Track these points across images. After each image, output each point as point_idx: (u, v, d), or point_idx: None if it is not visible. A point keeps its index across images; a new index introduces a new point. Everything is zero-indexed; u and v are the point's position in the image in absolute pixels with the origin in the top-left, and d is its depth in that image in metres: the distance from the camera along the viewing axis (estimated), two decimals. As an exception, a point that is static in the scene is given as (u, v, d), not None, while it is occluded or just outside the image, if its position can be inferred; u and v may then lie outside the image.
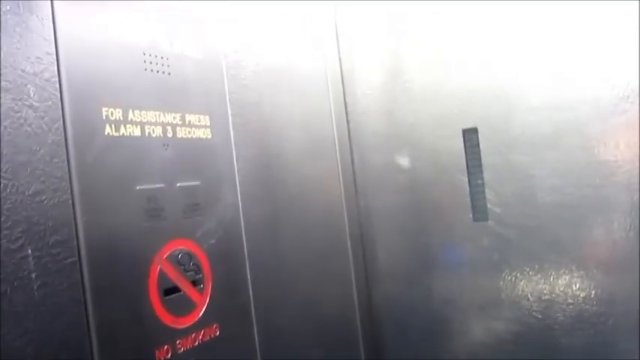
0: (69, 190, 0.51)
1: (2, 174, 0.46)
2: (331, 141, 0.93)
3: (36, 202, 0.48)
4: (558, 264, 0.80)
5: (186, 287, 0.61)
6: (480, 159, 0.84)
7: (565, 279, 0.79)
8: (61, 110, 0.51)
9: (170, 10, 0.64)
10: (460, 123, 0.86)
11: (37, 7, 0.51)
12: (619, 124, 0.74)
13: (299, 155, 0.84)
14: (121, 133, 0.56)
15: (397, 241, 0.95)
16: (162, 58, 0.62)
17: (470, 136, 0.85)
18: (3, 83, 0.47)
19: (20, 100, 0.48)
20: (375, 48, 0.93)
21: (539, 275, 0.81)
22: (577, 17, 0.76)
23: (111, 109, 0.55)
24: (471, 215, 0.86)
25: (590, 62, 0.76)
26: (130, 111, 0.57)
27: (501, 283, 0.84)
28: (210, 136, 0.67)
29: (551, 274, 0.80)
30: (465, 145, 0.86)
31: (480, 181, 0.84)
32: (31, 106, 0.49)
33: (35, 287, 0.47)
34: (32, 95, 0.49)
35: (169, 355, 0.58)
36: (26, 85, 0.49)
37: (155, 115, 0.60)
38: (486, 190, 0.84)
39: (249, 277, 0.70)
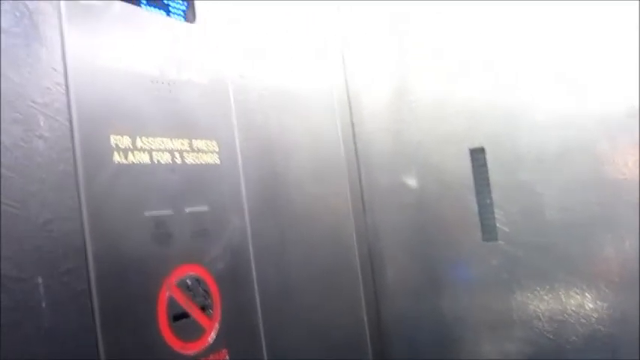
0: (79, 219, 0.51)
1: (13, 204, 0.46)
2: (339, 160, 0.93)
3: (47, 231, 0.48)
4: (567, 282, 0.79)
5: (195, 313, 0.61)
6: (487, 178, 0.84)
7: (577, 299, 0.79)
8: (70, 140, 0.52)
9: (177, 38, 0.65)
10: (467, 141, 0.85)
11: (47, 39, 0.51)
12: (627, 142, 0.74)
13: (307, 175, 0.84)
14: (129, 161, 0.57)
15: (406, 260, 0.94)
16: (169, 84, 0.63)
17: (477, 155, 0.85)
18: (14, 115, 0.48)
19: (31, 130, 0.49)
20: (381, 68, 0.94)
21: (550, 295, 0.81)
22: (586, 33, 0.76)
23: (119, 137, 0.56)
24: (480, 235, 0.85)
25: (598, 79, 0.75)
26: (138, 138, 0.58)
27: (512, 302, 0.83)
28: (217, 162, 0.67)
29: (561, 292, 0.80)
30: (472, 164, 0.85)
31: (488, 201, 0.84)
32: (41, 137, 0.49)
33: (45, 316, 0.47)
34: (42, 125, 0.50)
35: (179, 382, 0.57)
36: (36, 115, 0.49)
37: (163, 142, 0.61)
38: (495, 210, 0.83)
39: (258, 300, 0.70)
